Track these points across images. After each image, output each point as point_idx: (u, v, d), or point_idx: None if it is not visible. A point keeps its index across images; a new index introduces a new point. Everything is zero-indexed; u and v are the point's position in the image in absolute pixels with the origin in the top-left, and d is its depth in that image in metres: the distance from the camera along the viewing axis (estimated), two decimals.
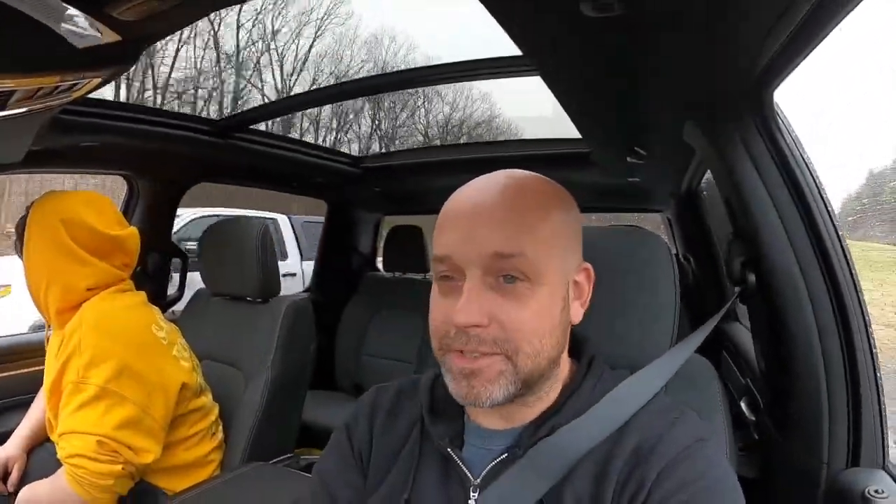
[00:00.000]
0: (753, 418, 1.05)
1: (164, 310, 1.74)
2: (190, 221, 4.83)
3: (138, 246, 1.29)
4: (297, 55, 16.23)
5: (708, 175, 1.71)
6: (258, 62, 15.93)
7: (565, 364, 0.61)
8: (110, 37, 0.71)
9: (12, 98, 0.82)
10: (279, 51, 16.02)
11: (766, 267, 0.85)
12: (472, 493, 0.57)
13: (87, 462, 1.07)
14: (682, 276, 0.75)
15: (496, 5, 0.64)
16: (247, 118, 1.69)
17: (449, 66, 1.32)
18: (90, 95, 0.96)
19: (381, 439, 0.66)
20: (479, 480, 0.58)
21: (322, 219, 2.81)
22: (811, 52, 0.70)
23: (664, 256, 0.72)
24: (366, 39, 16.78)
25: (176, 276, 2.01)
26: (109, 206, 1.25)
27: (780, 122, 0.84)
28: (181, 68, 14.64)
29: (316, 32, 16.34)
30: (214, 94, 15.15)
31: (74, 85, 0.85)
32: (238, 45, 15.56)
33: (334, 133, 17.05)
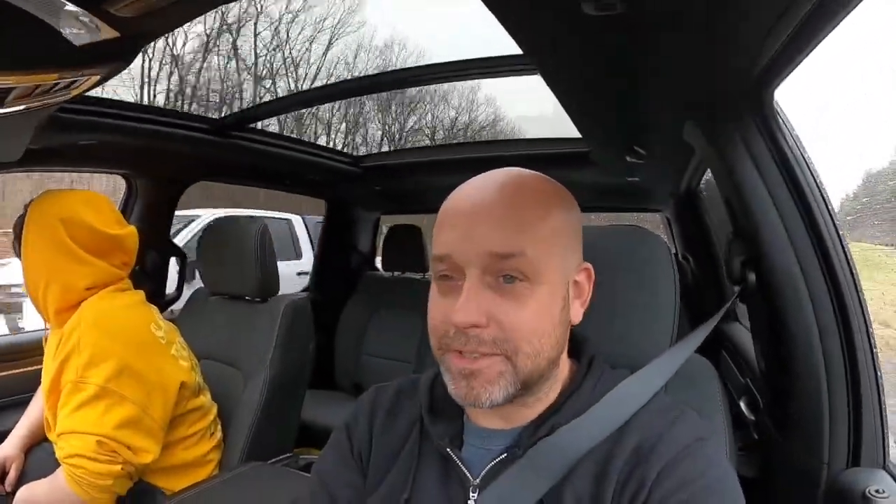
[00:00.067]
0: (753, 418, 1.05)
1: (162, 309, 1.73)
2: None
3: (137, 245, 1.28)
4: (309, 62, 16.35)
5: (707, 175, 1.71)
6: (273, 69, 16.03)
7: (565, 364, 0.61)
8: (108, 33, 0.71)
9: (10, 96, 0.82)
10: (294, 59, 16.15)
11: (767, 266, 0.85)
12: (471, 494, 0.57)
13: (86, 462, 1.07)
14: (682, 276, 0.75)
15: (496, 4, 0.64)
16: (246, 117, 1.68)
17: (449, 65, 1.32)
18: (88, 93, 0.96)
19: (381, 439, 0.65)
20: (478, 480, 0.58)
21: None
22: (812, 51, 0.70)
23: (664, 256, 0.72)
24: (376, 45, 16.89)
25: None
26: (108, 205, 1.24)
27: (780, 121, 0.84)
28: (180, 67, 14.68)
29: (330, 39, 16.51)
30: (213, 92, 15.19)
31: (73, 83, 0.84)
32: (256, 54, 15.70)
33: (343, 136, 17.21)
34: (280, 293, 1.55)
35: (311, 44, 16.19)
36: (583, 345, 0.64)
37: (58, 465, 1.11)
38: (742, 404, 1.10)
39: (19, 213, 1.20)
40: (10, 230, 1.22)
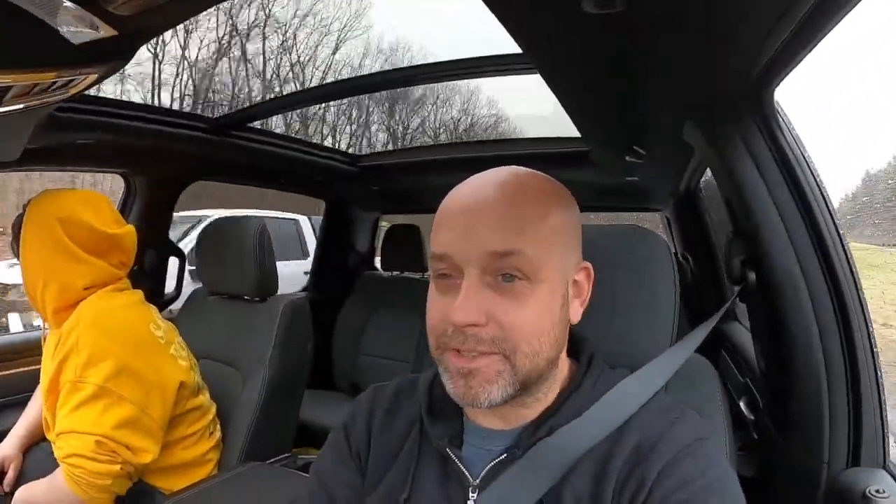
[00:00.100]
0: (752, 418, 1.05)
1: (161, 308, 1.73)
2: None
3: (135, 244, 1.28)
4: (315, 65, 16.45)
5: (707, 174, 1.71)
6: (280, 74, 16.13)
7: (564, 364, 0.61)
8: (106, 32, 0.70)
9: (8, 94, 0.82)
10: (302, 62, 16.25)
11: (767, 266, 0.85)
12: (471, 494, 0.57)
13: (86, 462, 1.07)
14: (681, 276, 0.75)
15: (496, 2, 0.63)
16: (244, 116, 1.68)
17: (448, 64, 1.31)
18: (86, 92, 0.95)
19: (380, 439, 0.65)
20: (478, 481, 0.57)
21: None
22: (812, 51, 0.70)
23: (664, 255, 0.71)
24: (382, 49, 17.00)
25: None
26: (106, 204, 1.24)
27: (780, 121, 0.84)
28: (179, 65, 14.73)
29: (337, 41, 16.63)
30: (212, 91, 15.24)
31: (71, 81, 0.84)
32: (265, 58, 15.81)
33: (348, 137, 17.37)
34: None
35: (317, 48, 16.35)
36: (582, 344, 0.63)
37: (56, 464, 1.11)
38: (742, 404, 1.10)
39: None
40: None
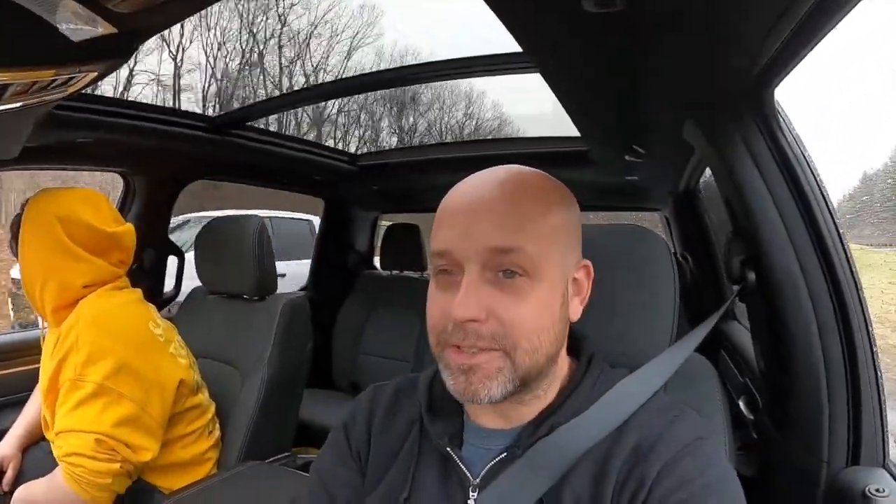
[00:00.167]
0: (752, 417, 1.05)
1: (160, 308, 1.73)
2: None
3: (134, 243, 1.28)
4: (327, 70, 16.63)
5: (706, 174, 1.71)
6: (291, 79, 16.32)
7: (564, 362, 0.61)
8: (105, 29, 0.70)
9: (7, 92, 0.81)
10: (315, 67, 16.41)
11: (766, 265, 0.85)
12: (471, 493, 0.57)
13: (85, 460, 1.07)
14: (680, 275, 0.74)
15: (497, 1, 0.63)
16: (243, 115, 1.68)
17: (448, 63, 1.31)
18: (85, 91, 0.95)
19: (380, 438, 0.65)
20: (478, 480, 0.57)
21: None
22: (812, 51, 0.70)
23: (663, 255, 0.71)
24: (391, 55, 17.16)
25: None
26: (106, 203, 1.24)
27: (780, 120, 0.84)
28: (179, 65, 14.80)
29: (349, 48, 16.84)
30: (211, 90, 15.34)
31: (70, 79, 0.84)
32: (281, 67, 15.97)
33: (357, 141, 17.51)
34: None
35: (328, 56, 16.51)
36: (582, 343, 0.63)
37: (55, 464, 1.11)
38: (741, 404, 1.10)
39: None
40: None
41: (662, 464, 0.52)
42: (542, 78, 0.91)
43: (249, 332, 1.47)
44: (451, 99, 18.30)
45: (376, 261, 2.81)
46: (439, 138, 18.27)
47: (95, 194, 1.23)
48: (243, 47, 15.12)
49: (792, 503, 0.86)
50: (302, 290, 2.72)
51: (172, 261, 1.95)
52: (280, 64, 15.92)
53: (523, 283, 0.53)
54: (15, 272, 4.82)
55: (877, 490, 0.70)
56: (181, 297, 1.80)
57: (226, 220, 1.58)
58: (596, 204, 2.46)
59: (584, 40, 0.73)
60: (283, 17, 15.75)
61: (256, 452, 1.34)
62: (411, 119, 18.20)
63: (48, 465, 1.14)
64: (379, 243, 2.74)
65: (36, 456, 1.29)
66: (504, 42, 0.83)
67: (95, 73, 0.85)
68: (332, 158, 2.13)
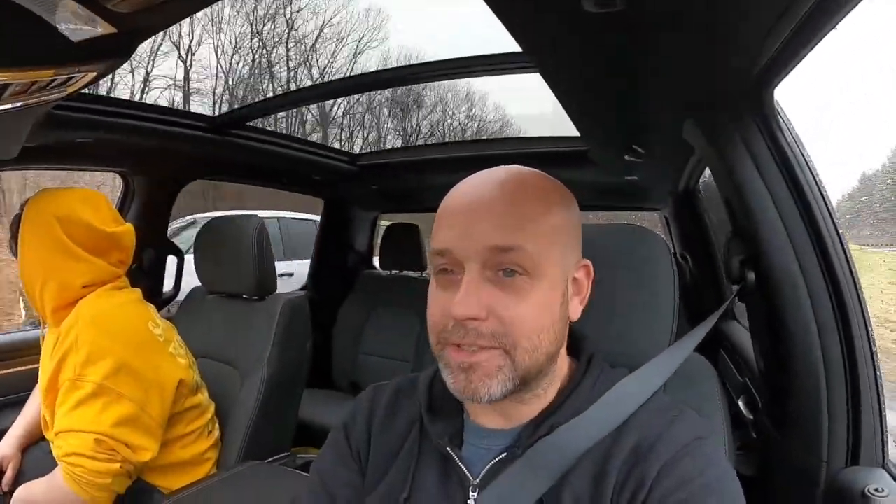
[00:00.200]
0: (751, 417, 1.05)
1: (159, 308, 1.73)
2: None
3: (134, 243, 1.28)
4: (332, 73, 16.75)
5: (705, 174, 1.71)
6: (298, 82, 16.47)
7: (564, 362, 0.61)
8: (105, 29, 0.70)
9: (6, 92, 0.81)
10: (322, 70, 16.57)
11: (766, 265, 0.85)
12: (471, 493, 0.57)
13: (85, 460, 1.07)
14: (680, 275, 0.74)
15: (498, 2, 0.63)
16: (243, 115, 1.68)
17: (448, 63, 1.31)
18: (85, 91, 0.95)
19: (380, 438, 0.65)
20: (478, 480, 0.57)
21: None
22: (812, 51, 0.70)
23: (663, 255, 0.72)
24: (392, 55, 17.28)
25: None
26: (105, 202, 1.24)
27: (780, 120, 0.84)
28: (179, 64, 14.84)
29: (355, 52, 16.97)
30: (211, 90, 15.41)
31: (69, 79, 0.84)
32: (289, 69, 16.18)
33: (362, 142, 17.69)
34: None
35: (333, 60, 16.61)
36: (581, 343, 0.64)
37: (55, 464, 1.11)
38: (741, 403, 1.10)
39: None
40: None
41: (662, 464, 0.52)
42: (541, 78, 0.91)
43: (249, 332, 1.47)
44: (454, 102, 18.48)
45: (376, 261, 2.81)
46: (442, 140, 18.46)
47: (95, 194, 1.23)
48: (253, 52, 15.27)
49: (791, 503, 0.86)
50: (301, 289, 2.72)
51: (171, 261, 1.95)
52: (287, 67, 16.07)
53: (523, 282, 0.53)
54: None
55: (876, 490, 0.70)
56: (180, 297, 1.80)
57: (225, 219, 1.57)
58: (595, 204, 2.46)
59: (583, 40, 0.73)
60: (290, 22, 15.88)
61: (256, 452, 1.34)
62: (414, 121, 18.32)
63: (48, 465, 1.13)
64: (378, 243, 2.74)
65: (35, 456, 1.29)
66: (504, 42, 0.83)
67: (95, 73, 0.85)
68: (332, 158, 2.13)
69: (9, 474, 1.26)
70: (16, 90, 0.82)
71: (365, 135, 17.77)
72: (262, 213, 5.64)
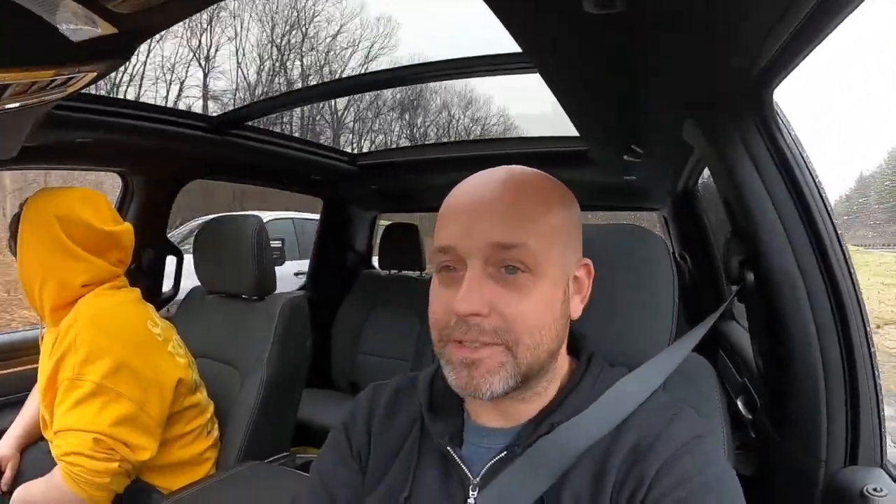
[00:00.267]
0: (750, 417, 1.05)
1: (158, 307, 1.73)
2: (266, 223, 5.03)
3: (133, 242, 1.28)
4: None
5: (705, 174, 1.71)
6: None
7: (564, 360, 0.61)
8: (105, 29, 0.70)
9: (6, 92, 0.81)
10: (333, 73, 16.79)
11: (765, 265, 0.85)
12: (471, 492, 0.57)
13: (84, 460, 1.07)
14: (679, 275, 0.74)
15: (498, 3, 0.63)
16: (243, 115, 1.68)
17: (448, 63, 1.31)
18: (85, 91, 0.95)
19: (380, 438, 0.65)
20: (478, 479, 0.58)
21: None
22: (812, 51, 0.70)
23: (663, 255, 0.72)
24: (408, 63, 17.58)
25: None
26: (104, 202, 1.24)
27: (779, 121, 0.84)
28: (179, 64, 14.86)
29: (366, 58, 17.13)
30: (211, 90, 15.47)
31: (69, 79, 0.84)
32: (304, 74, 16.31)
33: (369, 144, 17.83)
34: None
35: (345, 65, 16.81)
36: (582, 342, 0.64)
37: (54, 464, 1.11)
38: (739, 403, 1.10)
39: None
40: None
41: (661, 462, 0.52)
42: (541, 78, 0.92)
43: (248, 332, 1.47)
44: (460, 105, 18.65)
45: (375, 260, 2.81)
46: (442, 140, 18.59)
47: (94, 194, 1.23)
48: (272, 59, 15.53)
49: (790, 503, 0.87)
50: (301, 289, 2.72)
51: (171, 261, 1.95)
52: (303, 71, 16.24)
53: (525, 279, 0.53)
54: None
55: (874, 490, 0.70)
56: (180, 297, 1.80)
57: (224, 219, 1.57)
58: (595, 204, 2.46)
59: (583, 40, 0.73)
60: (304, 29, 16.05)
61: (255, 452, 1.34)
62: (418, 122, 18.46)
63: (47, 464, 1.13)
64: (377, 242, 2.74)
65: (34, 456, 1.29)
66: (504, 42, 0.83)
67: (95, 73, 0.85)
68: (332, 158, 2.13)
69: (8, 474, 1.25)
70: (16, 90, 0.82)
71: (373, 137, 18.00)
72: (280, 214, 5.74)
